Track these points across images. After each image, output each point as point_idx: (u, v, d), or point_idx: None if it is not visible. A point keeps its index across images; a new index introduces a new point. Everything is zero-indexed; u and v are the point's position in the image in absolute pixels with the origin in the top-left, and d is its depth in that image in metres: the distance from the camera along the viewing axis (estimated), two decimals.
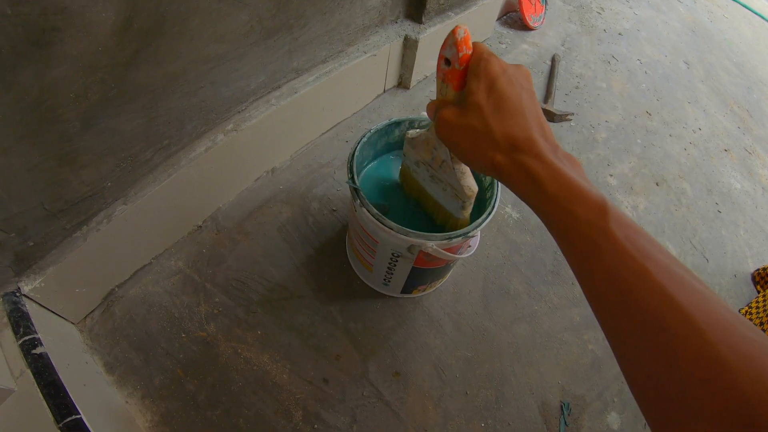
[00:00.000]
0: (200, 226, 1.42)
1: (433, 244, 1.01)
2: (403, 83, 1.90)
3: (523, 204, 1.69)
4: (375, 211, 1.01)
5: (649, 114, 2.29)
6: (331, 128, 1.70)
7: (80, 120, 0.93)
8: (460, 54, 0.70)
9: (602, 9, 2.99)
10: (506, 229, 1.65)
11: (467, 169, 0.97)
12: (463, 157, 0.72)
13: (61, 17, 0.80)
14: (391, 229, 1.00)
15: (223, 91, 1.21)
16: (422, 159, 1.04)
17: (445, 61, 0.74)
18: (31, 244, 1.00)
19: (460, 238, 1.02)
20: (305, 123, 1.56)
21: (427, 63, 1.87)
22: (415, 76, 1.88)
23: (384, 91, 1.86)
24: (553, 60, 2.35)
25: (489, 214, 1.05)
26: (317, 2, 1.29)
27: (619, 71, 2.49)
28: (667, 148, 2.16)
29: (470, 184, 0.97)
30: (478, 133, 0.66)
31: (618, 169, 1.91)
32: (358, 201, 1.03)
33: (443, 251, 1.04)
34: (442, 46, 0.74)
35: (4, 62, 0.77)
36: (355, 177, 1.05)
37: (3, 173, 0.87)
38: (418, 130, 1.06)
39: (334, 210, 1.52)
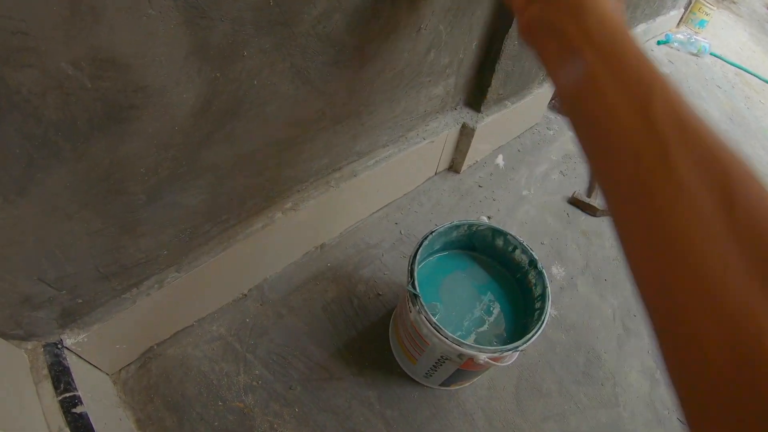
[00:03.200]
0: (245, 295, 1.36)
1: (484, 356, 0.95)
2: (454, 167, 1.85)
3: (561, 301, 1.63)
4: (434, 320, 0.96)
5: None
6: (382, 208, 1.66)
7: (146, 193, 0.89)
8: None
9: None
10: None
11: None
12: None
13: (141, 95, 0.76)
14: (446, 338, 0.95)
15: (288, 172, 1.16)
16: None
17: None
18: (80, 301, 0.95)
19: (510, 351, 0.98)
20: (358, 202, 1.52)
21: (480, 147, 1.83)
22: (467, 161, 1.84)
23: (435, 173, 1.82)
24: None
25: (539, 328, 1.02)
26: (387, 91, 1.25)
27: None
28: None
29: None
30: None
31: None
32: (417, 306, 0.98)
33: (491, 361, 0.98)
34: None
35: (79, 133, 0.73)
36: (416, 282, 1.00)
37: (63, 236, 0.83)
38: None
39: (380, 294, 1.46)
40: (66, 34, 0.64)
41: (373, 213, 1.65)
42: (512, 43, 1.53)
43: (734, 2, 6.58)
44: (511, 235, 1.20)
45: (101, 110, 0.74)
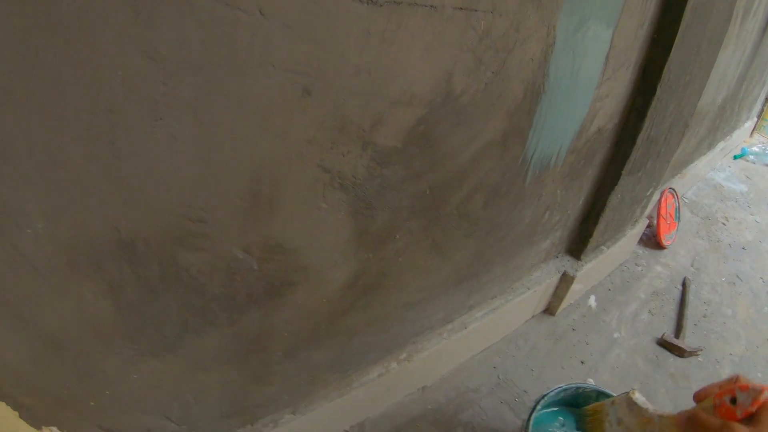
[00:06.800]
0: (347, 431, 1.34)
1: None
2: (549, 309, 1.81)
3: None
4: None
5: None
6: (481, 351, 1.61)
7: (284, 352, 0.88)
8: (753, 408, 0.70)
9: (726, 219, 2.87)
10: None
11: None
12: None
13: (301, 274, 0.75)
14: None
15: (408, 328, 1.15)
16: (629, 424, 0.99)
17: (731, 400, 0.72)
18: None
19: None
20: (462, 348, 1.49)
21: (575, 289, 1.79)
22: (563, 305, 1.80)
23: (532, 316, 1.78)
24: (684, 285, 2.19)
25: None
26: (504, 252, 1.24)
27: (743, 294, 2.27)
28: None
29: None
30: None
31: None
32: None
33: None
34: (729, 385, 0.74)
35: (236, 306, 0.73)
36: None
37: (198, 385, 0.82)
38: (644, 400, 1.00)
39: None
40: (242, 224, 0.65)
41: (473, 356, 1.59)
42: (616, 197, 1.51)
43: None
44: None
45: (262, 287, 0.73)
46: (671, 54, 1.30)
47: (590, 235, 1.60)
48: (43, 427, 0.71)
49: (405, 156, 0.76)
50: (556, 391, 1.15)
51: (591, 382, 1.19)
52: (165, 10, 0.46)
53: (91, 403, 0.72)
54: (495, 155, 0.94)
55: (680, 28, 1.26)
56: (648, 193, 1.86)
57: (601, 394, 1.19)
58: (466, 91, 0.79)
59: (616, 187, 1.48)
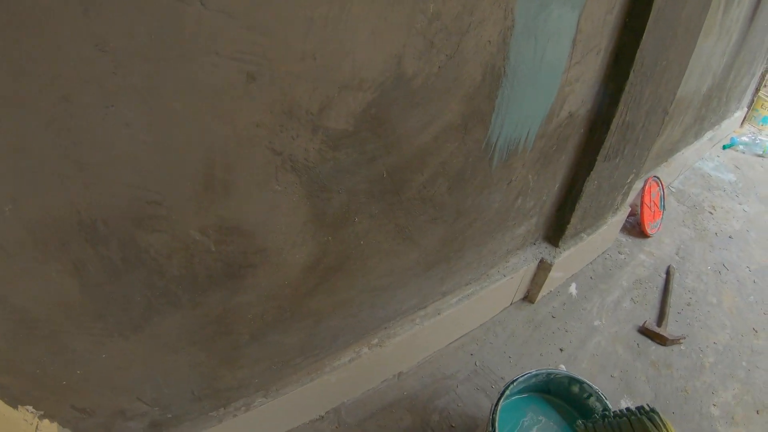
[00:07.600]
0: (322, 417, 1.34)
1: None
2: (529, 297, 1.84)
3: None
4: None
5: (756, 331, 2.04)
6: (458, 338, 1.64)
7: (250, 334, 0.91)
8: None
9: (714, 208, 2.87)
10: None
11: None
12: None
13: (259, 256, 0.78)
14: None
15: (379, 313, 1.18)
16: None
17: None
18: (170, 416, 0.96)
19: None
20: (438, 335, 1.52)
21: (555, 276, 1.82)
22: (542, 292, 1.82)
23: (510, 303, 1.81)
24: (668, 274, 2.21)
25: None
26: (476, 237, 1.26)
27: (729, 282, 2.28)
28: None
29: None
30: None
31: (722, 398, 1.73)
32: None
33: None
34: None
35: (198, 287, 0.76)
36: None
37: (167, 366, 0.85)
38: None
39: (453, 426, 1.41)
40: (198, 206, 0.68)
41: (450, 343, 1.62)
42: (592, 183, 1.54)
43: None
44: (587, 383, 1.17)
45: (221, 269, 0.77)
46: (643, 39, 1.31)
47: (568, 222, 1.63)
48: (20, 406, 0.74)
49: (357, 139, 0.79)
50: (526, 376, 1.17)
51: (562, 368, 1.21)
52: (112, 4, 0.49)
53: (64, 383, 0.76)
54: (456, 139, 0.97)
55: (652, 14, 1.28)
56: (628, 181, 1.88)
57: (572, 381, 1.20)
58: (419, 74, 0.81)
59: (592, 173, 1.50)
